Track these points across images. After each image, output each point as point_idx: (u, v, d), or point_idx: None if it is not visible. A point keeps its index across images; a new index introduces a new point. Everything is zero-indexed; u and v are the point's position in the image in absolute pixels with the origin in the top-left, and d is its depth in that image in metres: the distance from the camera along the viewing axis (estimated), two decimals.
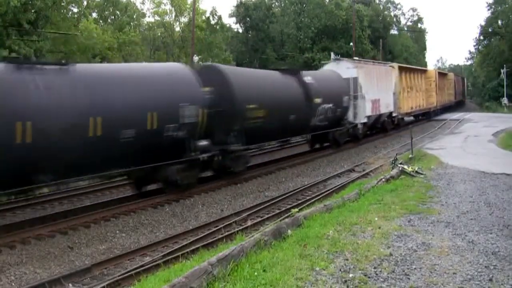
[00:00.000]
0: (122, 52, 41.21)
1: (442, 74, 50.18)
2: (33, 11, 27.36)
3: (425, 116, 40.99)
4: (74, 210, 12.67)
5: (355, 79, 24.44)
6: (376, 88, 26.63)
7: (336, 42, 55.88)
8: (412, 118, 37.92)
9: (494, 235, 7.52)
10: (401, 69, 33.76)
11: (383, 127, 29.83)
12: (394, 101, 30.25)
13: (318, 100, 20.31)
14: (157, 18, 51.75)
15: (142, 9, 51.48)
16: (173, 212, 12.57)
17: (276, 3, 66.42)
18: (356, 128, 24.84)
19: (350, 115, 24.15)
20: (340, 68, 24.54)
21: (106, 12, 47.52)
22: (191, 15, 44.30)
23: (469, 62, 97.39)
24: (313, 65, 45.94)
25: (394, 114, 30.46)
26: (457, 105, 58.22)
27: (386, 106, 28.69)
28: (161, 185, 14.28)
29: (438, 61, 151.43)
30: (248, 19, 62.37)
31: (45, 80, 10.59)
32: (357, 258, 6.52)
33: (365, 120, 25.42)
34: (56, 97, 10.60)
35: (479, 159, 15.77)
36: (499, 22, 61.17)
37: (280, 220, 9.39)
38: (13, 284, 8.25)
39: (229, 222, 11.21)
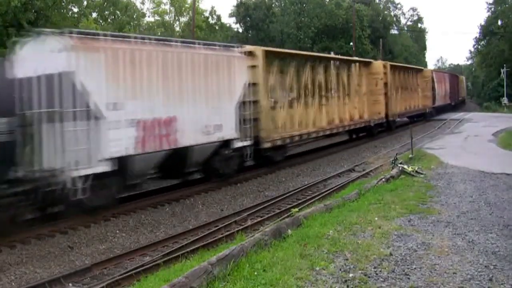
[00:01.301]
0: None
1: (405, 69, 35.85)
2: (33, 11, 27.35)
3: (365, 133, 28.02)
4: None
5: (68, 77, 10.84)
6: (161, 94, 12.92)
7: (336, 42, 55.89)
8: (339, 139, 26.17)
9: (494, 235, 7.52)
10: (271, 56, 18.23)
11: (211, 169, 15.10)
12: (239, 118, 15.47)
13: None
14: (157, 18, 51.84)
15: (142, 9, 51.48)
16: (173, 212, 12.57)
17: (276, 3, 66.38)
18: (54, 191, 10.56)
19: (44, 160, 10.75)
20: (41, 53, 11.16)
21: (106, 12, 47.50)
22: (190, 14, 44.34)
23: (469, 62, 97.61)
24: None
25: (239, 144, 15.51)
26: (442, 112, 46.05)
27: (208, 131, 14.37)
28: None
29: (438, 61, 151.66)
30: (248, 18, 62.41)
31: None
32: (357, 257, 6.51)
33: (102, 168, 11.28)
34: None
35: (479, 159, 15.78)
36: (499, 22, 61.23)
37: (280, 220, 9.39)
38: (13, 283, 8.25)
39: (229, 222, 11.21)
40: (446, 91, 49.53)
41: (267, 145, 17.09)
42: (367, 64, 28.41)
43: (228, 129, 15.12)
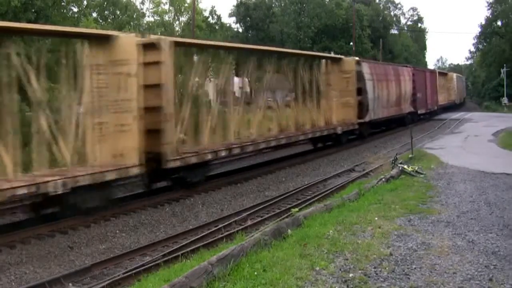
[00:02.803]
0: None
1: (269, 56, 18.53)
2: (33, 11, 27.37)
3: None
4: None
5: None
6: None
7: (336, 42, 55.98)
8: None
9: (494, 235, 7.52)
10: None
11: None
12: None
13: None
14: (156, 17, 51.87)
15: (142, 9, 51.52)
16: (173, 212, 12.57)
17: (276, 3, 66.45)
18: None
19: None
20: None
21: (106, 12, 47.55)
22: (190, 14, 44.34)
23: (469, 62, 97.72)
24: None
25: None
26: (399, 125, 31.74)
27: None
28: None
29: (438, 60, 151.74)
30: (248, 18, 62.49)
31: None
32: (357, 257, 6.51)
33: None
34: None
35: (479, 159, 15.78)
36: (499, 21, 61.32)
37: (280, 220, 9.39)
38: (13, 283, 8.24)
39: (229, 222, 11.21)
40: (402, 94, 31.67)
41: None
42: (101, 44, 11.74)
43: None
